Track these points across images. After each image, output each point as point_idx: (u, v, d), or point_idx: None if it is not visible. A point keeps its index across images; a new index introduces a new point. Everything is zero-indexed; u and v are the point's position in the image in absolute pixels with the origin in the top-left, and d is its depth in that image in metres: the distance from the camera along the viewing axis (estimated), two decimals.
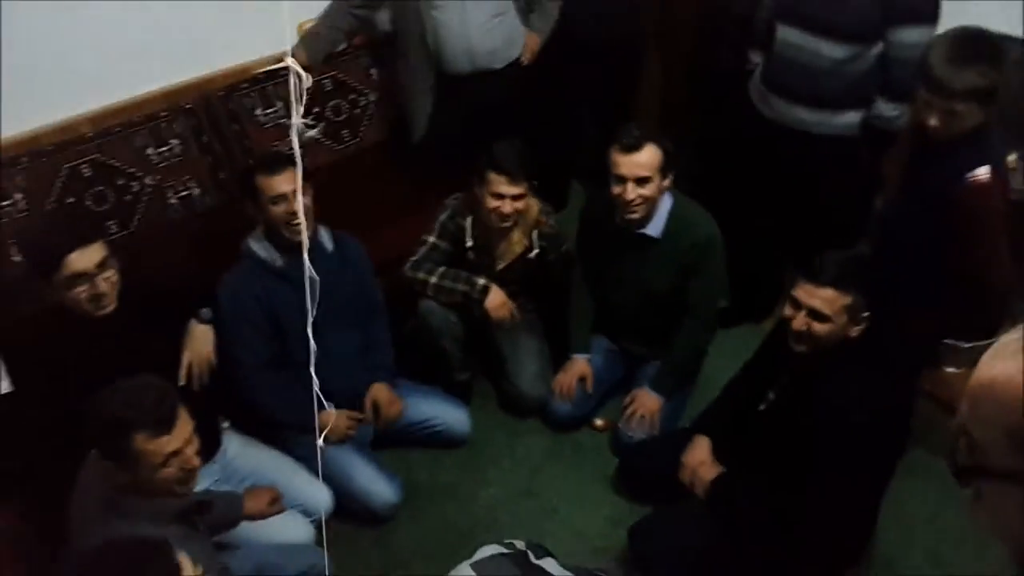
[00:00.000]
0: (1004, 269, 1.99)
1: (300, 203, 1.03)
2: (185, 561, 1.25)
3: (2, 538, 1.87)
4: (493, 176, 2.32)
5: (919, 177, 2.07)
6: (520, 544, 1.72)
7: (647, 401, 2.47)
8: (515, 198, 2.34)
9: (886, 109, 2.36)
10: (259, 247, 2.19)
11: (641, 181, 2.21)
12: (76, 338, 1.86)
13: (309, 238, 2.13)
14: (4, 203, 2.31)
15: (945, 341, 2.26)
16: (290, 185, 2.07)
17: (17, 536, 1.88)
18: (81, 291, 1.83)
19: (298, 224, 1.67)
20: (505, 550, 1.67)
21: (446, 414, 2.52)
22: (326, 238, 2.28)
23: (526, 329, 2.66)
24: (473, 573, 1.59)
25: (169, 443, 1.46)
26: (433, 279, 2.46)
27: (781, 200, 2.58)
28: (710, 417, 2.26)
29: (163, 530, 1.39)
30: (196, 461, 1.51)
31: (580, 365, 2.57)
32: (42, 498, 1.73)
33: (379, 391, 2.39)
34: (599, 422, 2.63)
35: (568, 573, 1.67)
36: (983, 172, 1.90)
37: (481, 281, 2.46)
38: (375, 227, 2.56)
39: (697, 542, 2.06)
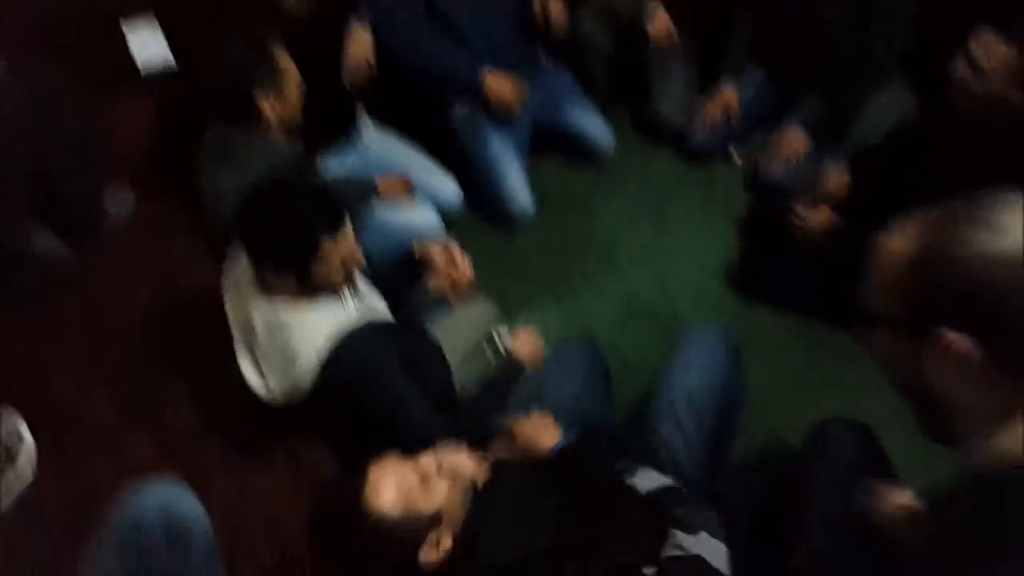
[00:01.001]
0: None
1: None
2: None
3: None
4: None
5: None
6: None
7: (795, 141, 2.32)
8: None
9: None
10: None
11: None
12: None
13: None
14: None
15: None
16: None
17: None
18: None
19: None
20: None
21: (596, 127, 2.46)
22: None
23: (679, 53, 2.47)
24: None
25: None
26: None
27: None
28: (857, 161, 2.12)
29: None
30: None
31: (728, 94, 2.41)
32: None
33: None
34: (737, 157, 2.52)
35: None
36: None
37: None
38: None
39: (816, 273, 2.05)
